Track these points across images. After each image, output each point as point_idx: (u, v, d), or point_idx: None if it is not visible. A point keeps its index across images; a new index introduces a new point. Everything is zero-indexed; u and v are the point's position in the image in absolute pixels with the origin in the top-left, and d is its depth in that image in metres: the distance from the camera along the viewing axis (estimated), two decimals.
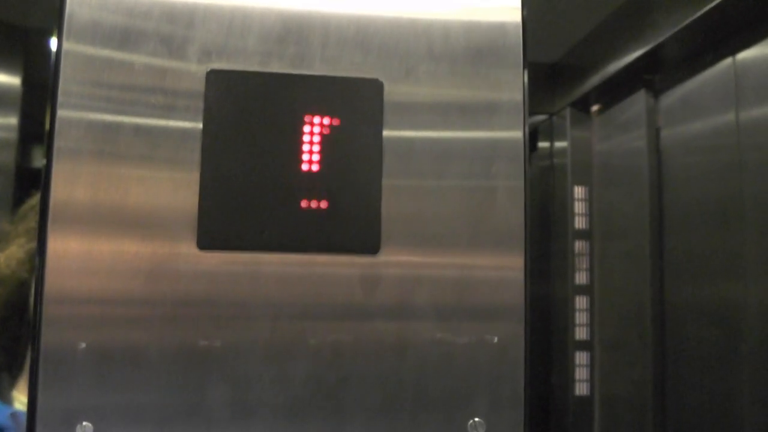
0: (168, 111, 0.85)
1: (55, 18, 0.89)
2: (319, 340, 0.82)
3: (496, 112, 0.83)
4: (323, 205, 0.82)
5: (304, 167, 0.82)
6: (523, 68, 0.85)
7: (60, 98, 0.84)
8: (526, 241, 0.82)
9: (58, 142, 0.83)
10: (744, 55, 1.91)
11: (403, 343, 0.82)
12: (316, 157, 0.83)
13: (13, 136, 2.31)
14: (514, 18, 0.86)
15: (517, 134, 0.83)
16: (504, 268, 0.82)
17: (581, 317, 2.62)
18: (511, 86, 0.84)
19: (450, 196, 0.83)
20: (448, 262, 0.82)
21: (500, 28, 0.85)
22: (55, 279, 0.82)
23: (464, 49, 0.85)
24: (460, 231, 0.82)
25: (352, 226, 0.82)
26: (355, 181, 0.82)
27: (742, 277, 1.85)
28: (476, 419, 0.81)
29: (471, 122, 0.83)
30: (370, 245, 0.82)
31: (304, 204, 0.82)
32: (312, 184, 0.82)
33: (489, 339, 0.80)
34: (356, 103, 0.83)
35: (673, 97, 2.26)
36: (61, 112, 0.84)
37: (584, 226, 2.66)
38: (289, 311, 0.83)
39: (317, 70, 0.85)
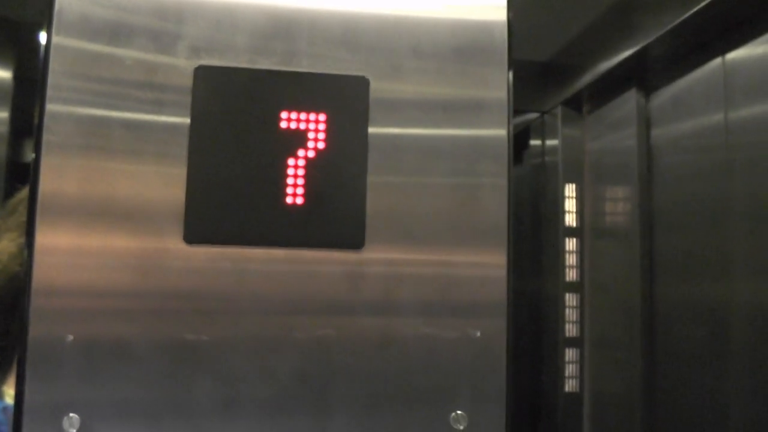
0: (157, 106, 0.86)
1: (45, 12, 0.89)
2: (304, 335, 0.83)
3: (481, 110, 0.84)
4: (309, 200, 0.82)
5: (290, 162, 0.83)
6: (508, 67, 0.86)
7: (49, 92, 0.85)
8: (509, 239, 0.83)
9: (47, 136, 0.84)
10: (733, 55, 1.92)
11: (387, 338, 0.83)
12: (302, 153, 0.84)
13: (4, 130, 2.31)
14: (499, 17, 0.86)
15: (502, 132, 0.84)
16: (487, 265, 0.83)
17: (571, 314, 2.63)
18: (496, 85, 0.84)
19: (435, 193, 0.84)
20: (433, 259, 0.83)
21: (486, 27, 0.85)
22: (42, 272, 0.82)
23: (450, 47, 0.86)
24: (445, 228, 0.83)
25: (337, 221, 0.83)
26: (340, 177, 0.83)
27: (730, 276, 1.87)
28: (458, 412, 0.82)
29: (456, 120, 0.84)
30: (354, 241, 0.83)
31: (289, 200, 0.83)
32: (298, 180, 0.83)
33: (472, 335, 0.81)
34: (343, 99, 0.84)
35: (663, 96, 2.27)
36: (49, 106, 0.84)
37: (575, 224, 2.67)
38: (275, 306, 0.84)
39: (305, 67, 0.86)
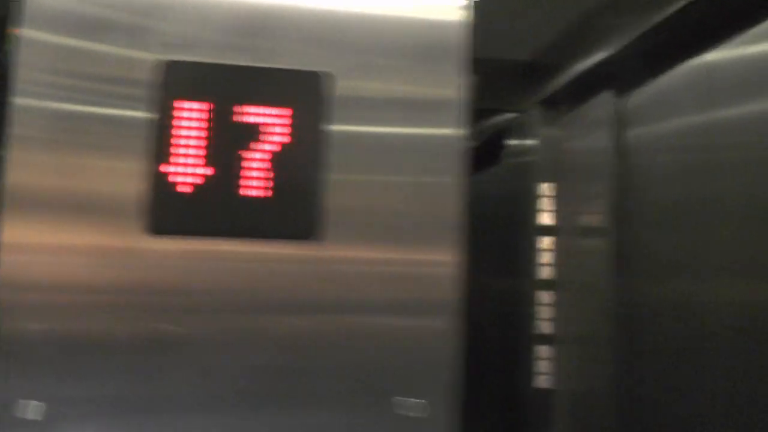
0: (125, 101, 0.86)
1: (15, 5, 0.89)
2: (261, 329, 0.84)
3: (442, 110, 0.86)
4: (266, 193, 0.84)
5: (252, 155, 0.85)
6: (466, 67, 0.87)
7: (17, 86, 0.85)
8: (462, 238, 0.85)
9: (15, 130, 0.84)
10: (707, 58, 1.95)
11: (341, 332, 0.85)
12: (263, 146, 0.85)
13: None
14: (462, 18, 0.88)
15: (461, 131, 0.86)
16: (440, 263, 0.85)
17: (545, 312, 2.66)
18: (458, 84, 0.86)
19: (393, 191, 0.86)
20: (388, 257, 0.85)
21: (449, 28, 0.87)
22: (9, 266, 0.83)
23: (413, 46, 0.87)
24: (401, 226, 0.85)
25: (293, 214, 0.84)
26: (299, 171, 0.85)
27: (702, 275, 1.90)
28: (408, 399, 0.84)
29: (415, 118, 0.86)
30: (308, 233, 0.85)
31: (249, 192, 0.84)
32: (258, 172, 0.84)
33: (423, 329, 0.83)
34: (306, 95, 0.85)
35: (638, 97, 2.30)
36: (18, 100, 0.85)
37: (551, 223, 2.70)
38: (232, 301, 0.85)
39: (272, 62, 0.87)
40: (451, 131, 0.84)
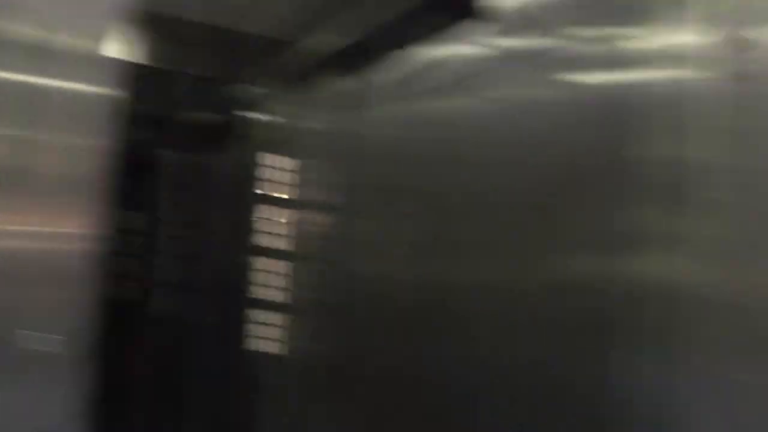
0: None
1: None
2: None
3: (94, 66, 0.79)
4: None
5: None
6: (137, 25, 0.82)
7: None
8: (105, 205, 0.81)
9: None
10: (431, 52, 2.08)
11: None
12: None
13: None
14: None
15: (113, 91, 0.80)
16: (74, 232, 0.80)
17: (272, 280, 2.71)
18: (114, 41, 0.80)
19: (26, 147, 0.78)
20: (16, 215, 0.78)
21: None
22: None
23: None
24: (31, 184, 0.78)
25: None
26: None
27: (407, 255, 2.04)
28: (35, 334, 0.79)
29: (64, 71, 0.78)
30: None
31: None
32: None
33: (51, 290, 0.79)
34: None
35: (374, 81, 2.40)
36: None
37: (282, 196, 2.74)
38: None
39: None
40: (101, 90, 0.77)
